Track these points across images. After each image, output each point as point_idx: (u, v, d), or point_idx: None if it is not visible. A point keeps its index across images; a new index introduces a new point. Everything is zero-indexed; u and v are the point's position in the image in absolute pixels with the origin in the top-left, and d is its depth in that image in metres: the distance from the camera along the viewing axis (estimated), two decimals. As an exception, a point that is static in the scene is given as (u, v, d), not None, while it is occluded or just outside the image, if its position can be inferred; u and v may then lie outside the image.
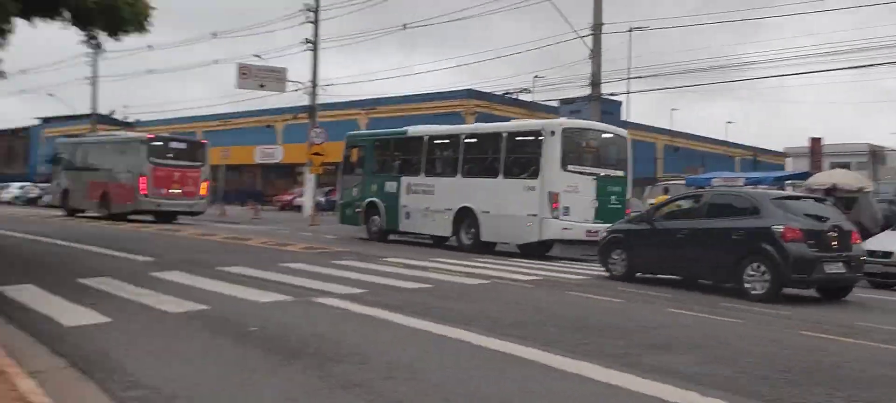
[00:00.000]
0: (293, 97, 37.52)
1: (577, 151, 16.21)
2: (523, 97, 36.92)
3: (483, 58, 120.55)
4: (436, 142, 18.60)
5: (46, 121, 58.04)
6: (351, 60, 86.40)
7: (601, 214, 15.88)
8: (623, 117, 38.52)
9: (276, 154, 48.02)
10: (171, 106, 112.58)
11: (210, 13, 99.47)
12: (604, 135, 17.20)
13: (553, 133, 15.81)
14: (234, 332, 6.96)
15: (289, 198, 43.45)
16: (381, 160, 19.70)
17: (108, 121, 53.07)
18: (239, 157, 41.52)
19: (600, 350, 6.52)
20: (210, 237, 19.10)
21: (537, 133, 16.28)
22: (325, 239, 19.67)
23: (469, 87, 40.38)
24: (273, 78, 35.98)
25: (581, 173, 15.94)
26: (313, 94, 34.15)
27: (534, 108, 38.63)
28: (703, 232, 11.49)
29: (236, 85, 35.38)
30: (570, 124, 17.13)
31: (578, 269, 14.41)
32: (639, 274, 12.53)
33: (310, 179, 32.35)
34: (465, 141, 17.81)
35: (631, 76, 34.47)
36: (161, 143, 26.44)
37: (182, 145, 27.21)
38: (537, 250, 16.40)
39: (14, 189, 45.25)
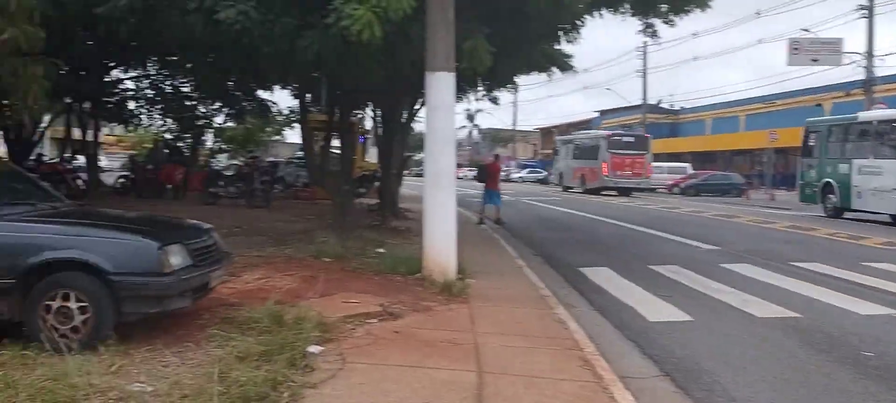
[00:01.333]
0: (842, 73, 33.09)
1: None
2: None
3: None
4: (884, 125, 19.32)
5: (603, 113, 62.97)
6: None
7: None
8: None
9: (825, 135, 43.09)
10: (711, 91, 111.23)
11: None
12: None
13: None
14: (844, 356, 5.58)
15: (839, 181, 38.34)
16: (835, 144, 21.01)
17: (656, 110, 54.91)
18: (787, 140, 38.30)
19: None
20: (768, 225, 17.54)
21: None
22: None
23: None
24: (827, 50, 32.66)
25: None
26: (869, 66, 29.54)
27: None
28: None
29: (787, 61, 33.07)
30: None
31: None
32: None
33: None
34: None
35: None
36: (617, 138, 35.53)
37: (631, 139, 35.95)
38: None
39: None
